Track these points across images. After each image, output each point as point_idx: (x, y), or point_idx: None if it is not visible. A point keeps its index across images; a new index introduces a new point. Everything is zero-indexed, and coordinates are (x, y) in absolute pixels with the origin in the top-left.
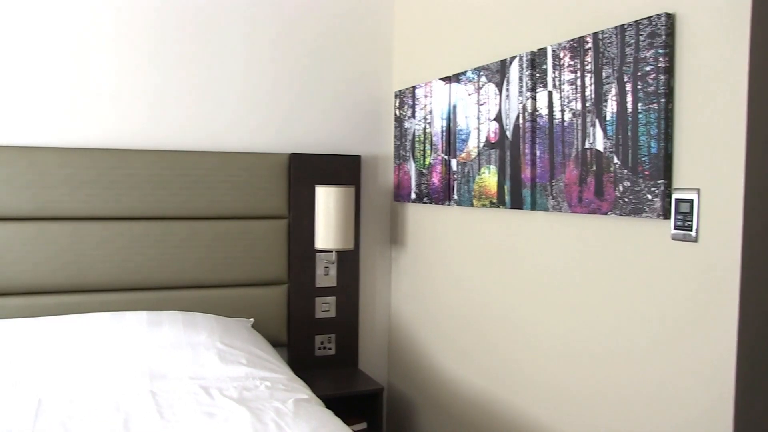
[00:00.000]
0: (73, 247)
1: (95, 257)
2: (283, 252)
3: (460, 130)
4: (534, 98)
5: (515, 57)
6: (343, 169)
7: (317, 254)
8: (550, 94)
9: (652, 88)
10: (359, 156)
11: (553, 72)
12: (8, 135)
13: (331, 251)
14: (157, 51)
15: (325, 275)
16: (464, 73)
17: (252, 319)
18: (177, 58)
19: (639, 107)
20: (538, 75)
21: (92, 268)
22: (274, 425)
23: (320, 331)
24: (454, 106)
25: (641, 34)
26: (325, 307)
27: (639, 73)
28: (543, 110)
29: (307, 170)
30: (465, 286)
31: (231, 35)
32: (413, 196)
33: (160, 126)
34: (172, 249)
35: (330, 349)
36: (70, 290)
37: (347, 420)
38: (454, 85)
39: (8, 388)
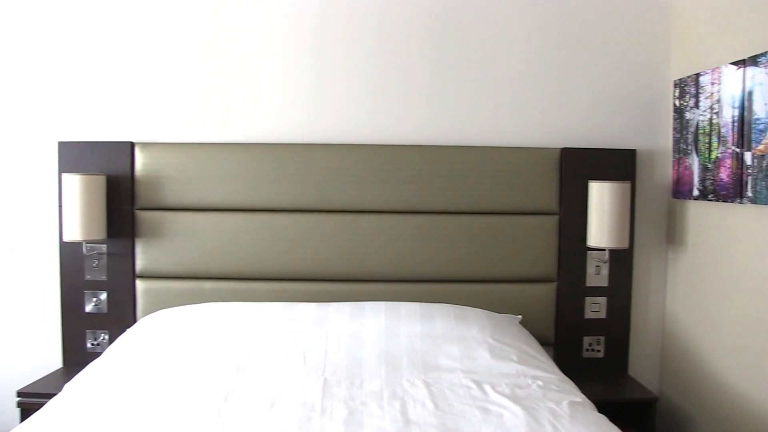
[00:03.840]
0: (350, 238)
1: (370, 249)
2: (553, 249)
3: (758, 119)
4: None
5: None
6: (616, 164)
7: (588, 252)
8: None
9: None
10: (634, 150)
11: None
12: (295, 133)
13: (604, 249)
14: (429, 50)
15: (596, 274)
16: (765, 54)
17: (520, 316)
18: (449, 56)
19: None
20: None
21: (367, 259)
22: (550, 427)
23: (589, 333)
24: (750, 93)
25: None
26: (595, 308)
27: None
28: None
29: (580, 165)
30: (760, 293)
31: (501, 31)
32: (696, 192)
33: (432, 122)
34: (441, 243)
35: (598, 351)
36: (346, 279)
37: None
38: (750, 69)
39: (298, 365)
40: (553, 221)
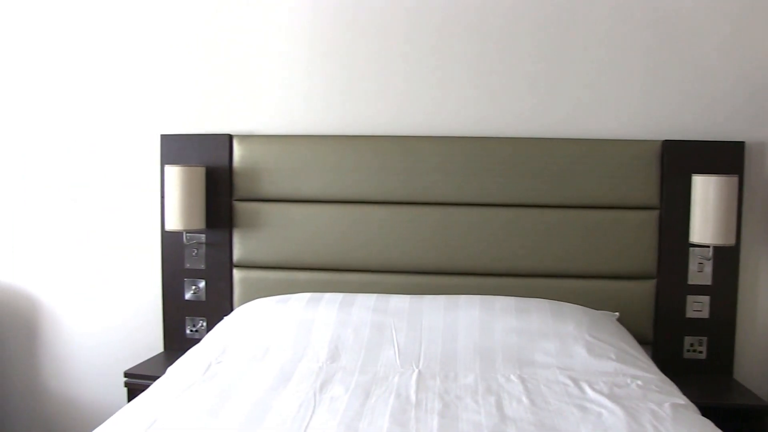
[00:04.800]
0: (443, 231)
1: (464, 242)
2: (653, 245)
3: None
4: None
5: None
6: (722, 157)
7: (691, 249)
8: None
9: None
10: (742, 143)
11: None
12: (388, 125)
13: (708, 246)
14: (524, 40)
15: (699, 272)
16: None
17: (617, 313)
18: (544, 46)
19: None
20: None
21: (460, 252)
22: (652, 429)
23: (690, 332)
24: None
25: None
26: (697, 307)
27: None
28: None
29: (682, 158)
30: None
31: (597, 17)
32: None
33: (527, 113)
34: (537, 237)
35: (700, 353)
36: (439, 272)
37: None
38: None
39: (391, 357)
40: (653, 216)
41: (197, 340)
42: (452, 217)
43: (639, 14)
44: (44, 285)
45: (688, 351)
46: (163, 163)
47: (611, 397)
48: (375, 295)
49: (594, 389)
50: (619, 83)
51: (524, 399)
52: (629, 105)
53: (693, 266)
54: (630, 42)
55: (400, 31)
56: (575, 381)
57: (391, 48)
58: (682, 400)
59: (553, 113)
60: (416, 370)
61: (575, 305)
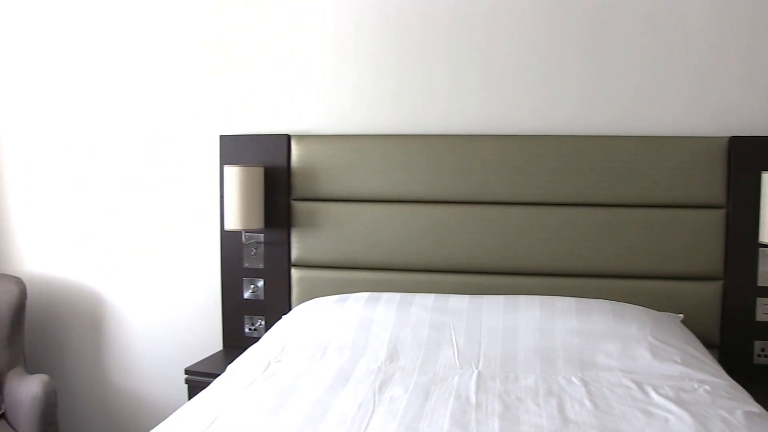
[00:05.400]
0: (501, 230)
1: (522, 241)
2: (719, 245)
3: None
4: None
5: None
6: None
7: (761, 249)
8: None
9: None
10: None
11: None
12: (447, 124)
13: None
14: (585, 36)
15: None
16: None
17: (681, 315)
18: (605, 42)
19: None
20: None
21: (518, 252)
22: None
23: (761, 337)
24: None
25: None
26: None
27: None
28: None
29: (751, 155)
30: None
31: (657, 6)
32: None
33: (588, 111)
34: (597, 236)
35: None
36: (498, 272)
37: None
38: None
39: (450, 358)
40: (719, 215)
41: (255, 339)
42: (511, 216)
43: (701, 3)
44: (109, 283)
45: (759, 356)
46: (222, 164)
47: (678, 402)
48: (433, 294)
49: (659, 393)
50: (682, 78)
51: (586, 402)
52: (693, 100)
53: (763, 267)
54: (694, 34)
55: (449, 30)
56: (639, 384)
57: (442, 47)
58: (755, 407)
59: (610, 109)
60: (476, 371)
61: (637, 306)
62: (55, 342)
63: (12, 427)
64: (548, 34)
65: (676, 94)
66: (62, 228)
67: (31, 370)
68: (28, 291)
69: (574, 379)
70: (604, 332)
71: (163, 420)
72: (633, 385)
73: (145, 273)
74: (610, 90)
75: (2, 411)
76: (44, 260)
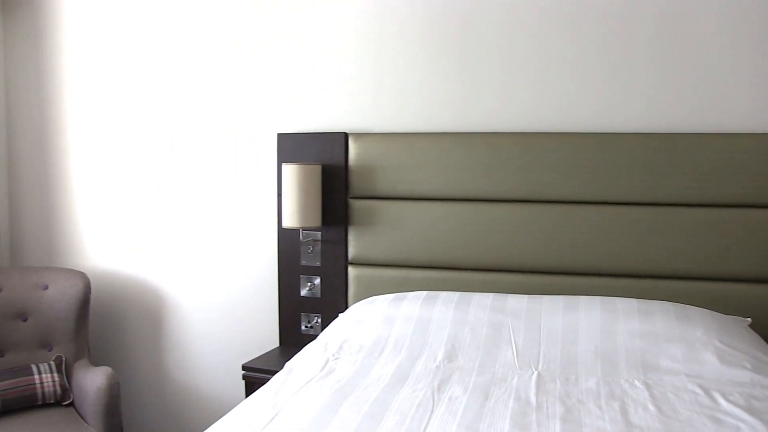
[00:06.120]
0: (561, 230)
1: (583, 241)
2: None
3: None
4: None
5: None
6: None
7: None
8: None
9: None
10: None
11: None
12: (506, 121)
13: None
14: (666, 24)
15: None
16: None
17: (749, 319)
18: (674, 39)
19: None
20: None
21: (578, 252)
22: None
23: None
24: None
25: None
26: None
27: None
28: None
29: None
30: None
31: (727, 10)
32: None
33: (656, 108)
34: (659, 236)
35: None
36: (557, 272)
37: None
38: None
39: (509, 358)
40: None
41: (312, 336)
42: (570, 215)
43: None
44: (168, 279)
45: None
46: (279, 162)
47: (749, 410)
48: (492, 294)
49: (728, 400)
50: (753, 75)
51: (650, 406)
52: (761, 96)
53: None
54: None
55: (517, 28)
56: (706, 390)
57: (509, 44)
58: None
59: (683, 106)
60: (535, 372)
61: (702, 309)
62: (117, 336)
63: (80, 415)
64: (616, 27)
65: (748, 91)
66: (125, 225)
67: (94, 363)
68: (92, 286)
69: (636, 383)
70: (668, 335)
71: (221, 415)
72: (699, 391)
73: (203, 270)
74: (682, 86)
75: (71, 400)
76: (108, 256)
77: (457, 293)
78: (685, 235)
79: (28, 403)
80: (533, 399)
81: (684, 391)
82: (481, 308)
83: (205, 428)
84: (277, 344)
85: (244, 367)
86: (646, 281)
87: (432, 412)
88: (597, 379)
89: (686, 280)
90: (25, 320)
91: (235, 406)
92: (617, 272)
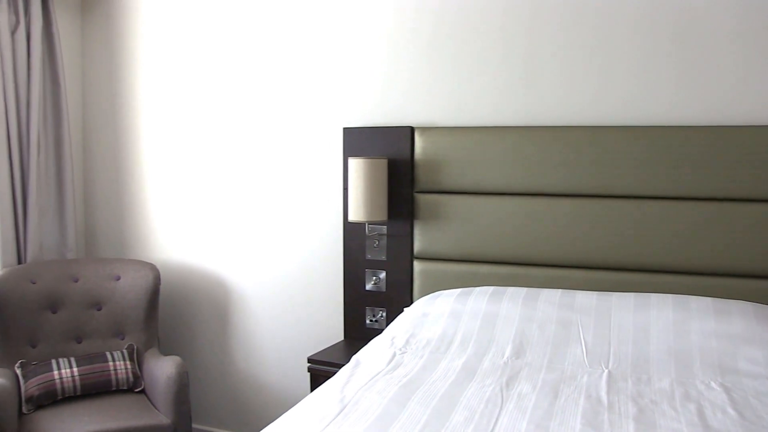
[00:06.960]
0: (632, 225)
1: (655, 237)
2: None
3: None
4: None
5: None
6: None
7: None
8: None
9: None
10: None
11: None
12: (573, 115)
13: None
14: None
15: None
16: None
17: None
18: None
19: None
20: None
21: (650, 248)
22: None
23: None
24: None
25: None
26: None
27: None
28: None
29: None
30: None
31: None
32: None
33: (732, 99)
34: (737, 233)
35: None
36: (627, 268)
37: None
38: None
39: (578, 356)
40: None
41: (377, 330)
42: (642, 210)
43: None
44: (236, 271)
45: None
46: (345, 156)
47: None
48: (560, 290)
49: None
50: None
51: (730, 410)
52: None
53: None
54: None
55: (586, 19)
56: None
57: (577, 37)
58: None
59: (759, 98)
60: (606, 371)
61: None
62: (185, 326)
63: (151, 402)
64: (682, 19)
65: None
66: (194, 219)
67: (164, 352)
68: (162, 277)
69: (713, 385)
70: (746, 336)
71: (286, 406)
72: None
73: (269, 262)
74: (757, 77)
75: (142, 387)
76: (177, 249)
77: (525, 289)
78: (762, 232)
79: (103, 388)
80: (605, 398)
81: (766, 396)
82: (549, 304)
83: (271, 418)
84: (341, 338)
85: (309, 360)
86: (720, 279)
87: (501, 408)
88: (671, 380)
89: (764, 280)
90: (99, 309)
91: (300, 397)
92: (689, 270)
